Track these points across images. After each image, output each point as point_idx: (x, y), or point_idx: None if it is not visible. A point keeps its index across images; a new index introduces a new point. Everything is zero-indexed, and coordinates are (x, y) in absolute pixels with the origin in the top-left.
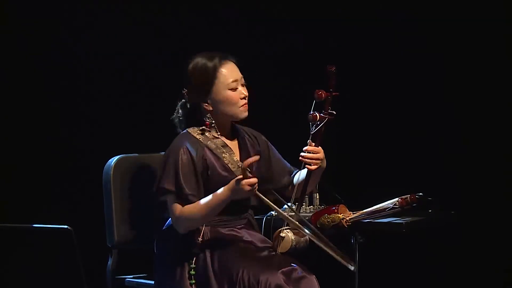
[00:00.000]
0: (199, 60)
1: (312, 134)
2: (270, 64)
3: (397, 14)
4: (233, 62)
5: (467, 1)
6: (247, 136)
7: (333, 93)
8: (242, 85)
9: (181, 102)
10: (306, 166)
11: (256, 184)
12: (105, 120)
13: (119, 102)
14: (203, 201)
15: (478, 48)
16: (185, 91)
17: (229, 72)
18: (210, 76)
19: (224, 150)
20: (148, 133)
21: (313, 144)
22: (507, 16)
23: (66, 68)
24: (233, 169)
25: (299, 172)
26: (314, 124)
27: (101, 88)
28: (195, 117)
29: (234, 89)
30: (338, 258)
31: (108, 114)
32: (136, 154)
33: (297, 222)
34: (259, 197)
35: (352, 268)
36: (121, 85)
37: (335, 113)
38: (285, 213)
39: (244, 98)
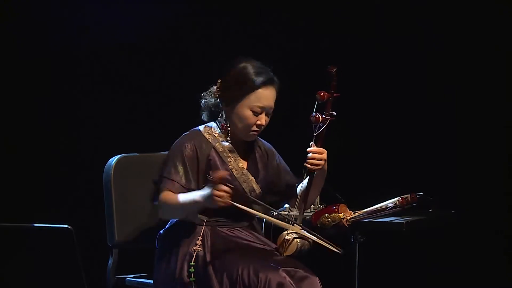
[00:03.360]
0: (249, 67)
1: (315, 135)
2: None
3: (398, 15)
4: (275, 89)
5: (467, 2)
6: (258, 148)
7: (335, 94)
8: (267, 115)
9: (211, 89)
10: (309, 169)
11: (228, 195)
12: (105, 119)
13: (120, 102)
14: (183, 195)
15: (477, 48)
16: (219, 82)
17: (262, 97)
18: (245, 88)
19: (230, 155)
20: (149, 132)
21: (315, 146)
22: (507, 16)
23: (66, 67)
24: (236, 175)
25: (301, 182)
26: (317, 125)
27: (101, 87)
28: (215, 111)
29: (255, 113)
30: (329, 246)
31: (108, 113)
32: (137, 154)
33: (286, 223)
34: (237, 208)
35: (340, 252)
36: (122, 84)
37: (335, 113)
38: (270, 217)
39: (259, 126)
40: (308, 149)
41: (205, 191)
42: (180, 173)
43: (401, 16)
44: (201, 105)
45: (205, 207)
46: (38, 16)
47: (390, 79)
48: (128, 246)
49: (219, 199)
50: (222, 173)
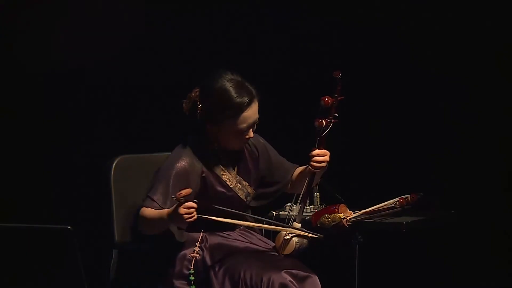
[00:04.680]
0: (228, 88)
1: (318, 139)
2: (275, 67)
3: (398, 19)
4: (257, 102)
5: (469, 5)
6: (246, 145)
7: (339, 98)
8: (253, 124)
9: (192, 105)
10: (310, 168)
11: (194, 210)
12: (105, 120)
13: (120, 102)
14: (154, 211)
15: (477, 48)
16: (199, 106)
17: (247, 118)
18: (229, 113)
19: (222, 168)
20: (149, 133)
21: (317, 149)
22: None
23: (66, 67)
24: (231, 186)
25: (297, 169)
26: (320, 129)
27: (102, 87)
28: (200, 127)
29: (242, 133)
30: (308, 234)
31: (109, 114)
32: (137, 154)
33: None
34: (209, 219)
35: (319, 236)
36: (122, 84)
37: (337, 115)
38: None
39: (247, 139)
40: (313, 153)
41: (171, 210)
42: (161, 193)
43: (400, 15)
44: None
45: (175, 225)
46: (40, 16)
47: (390, 79)
48: (128, 247)
49: (186, 215)
50: (185, 191)
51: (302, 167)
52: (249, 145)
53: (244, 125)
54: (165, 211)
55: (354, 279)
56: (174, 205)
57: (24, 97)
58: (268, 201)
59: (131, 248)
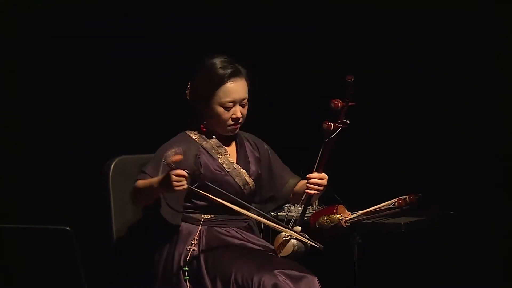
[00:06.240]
0: (214, 63)
1: (325, 142)
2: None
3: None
4: (244, 79)
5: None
6: (248, 142)
7: (349, 103)
8: (242, 106)
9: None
10: (307, 191)
11: (184, 178)
12: (105, 120)
13: (119, 102)
14: (147, 180)
15: (476, 49)
16: (188, 84)
17: (230, 91)
18: (213, 86)
19: (219, 151)
20: (148, 133)
21: (324, 154)
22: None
23: (66, 67)
24: (228, 170)
25: (299, 181)
26: (328, 132)
27: (101, 87)
28: (192, 113)
29: (227, 109)
30: (309, 241)
31: (108, 114)
32: (136, 155)
33: (271, 223)
34: (197, 192)
35: (320, 247)
36: (121, 84)
37: (348, 122)
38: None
39: (235, 119)
40: (308, 175)
41: (161, 176)
42: (153, 167)
43: (398, 15)
44: (174, 106)
45: (165, 192)
46: (41, 15)
47: (390, 79)
48: (127, 246)
49: (175, 183)
50: (176, 157)
51: (304, 181)
52: (249, 143)
53: (228, 98)
54: (156, 178)
55: (353, 280)
56: (166, 171)
57: (25, 97)
58: (271, 207)
59: (131, 248)
